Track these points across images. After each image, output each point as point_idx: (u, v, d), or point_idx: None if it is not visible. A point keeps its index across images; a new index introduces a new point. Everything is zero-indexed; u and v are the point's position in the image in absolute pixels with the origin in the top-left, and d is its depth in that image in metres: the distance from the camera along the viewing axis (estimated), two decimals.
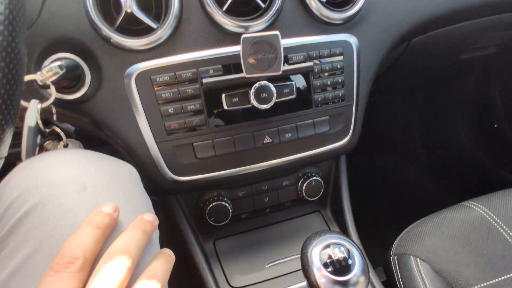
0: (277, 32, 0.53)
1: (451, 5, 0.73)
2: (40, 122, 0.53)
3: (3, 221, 0.41)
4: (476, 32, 0.86)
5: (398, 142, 1.65)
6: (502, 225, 0.77)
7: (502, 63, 1.22)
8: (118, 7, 0.55)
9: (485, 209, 0.79)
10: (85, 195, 0.43)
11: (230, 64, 0.60)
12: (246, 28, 0.60)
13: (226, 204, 0.74)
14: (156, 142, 0.62)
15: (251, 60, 0.55)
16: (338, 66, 0.66)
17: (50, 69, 0.51)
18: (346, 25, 0.67)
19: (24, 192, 0.41)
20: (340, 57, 0.66)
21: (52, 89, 0.54)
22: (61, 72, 0.51)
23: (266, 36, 0.53)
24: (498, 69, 1.29)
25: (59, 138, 0.58)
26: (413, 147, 1.64)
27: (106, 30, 0.55)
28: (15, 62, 0.33)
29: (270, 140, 0.66)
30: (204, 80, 0.59)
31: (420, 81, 1.27)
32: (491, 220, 0.77)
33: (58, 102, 0.58)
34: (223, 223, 0.75)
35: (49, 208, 0.40)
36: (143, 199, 0.50)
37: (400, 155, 1.64)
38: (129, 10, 0.54)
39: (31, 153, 0.52)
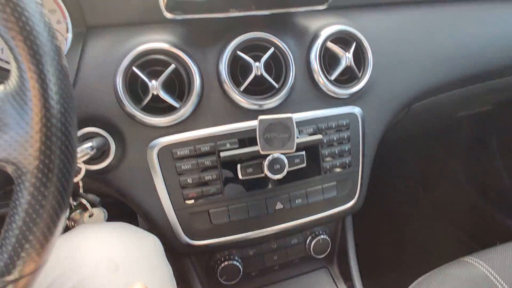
0: (291, 116, 0.58)
1: (450, 76, 0.78)
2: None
3: None
4: (473, 95, 0.92)
5: (396, 184, 1.69)
6: (503, 283, 0.79)
7: (497, 117, 1.28)
8: (145, 87, 0.60)
9: (486, 266, 0.82)
10: (117, 275, 0.47)
11: (246, 138, 0.65)
12: (261, 105, 0.64)
13: (237, 264, 0.76)
14: (174, 210, 0.65)
15: (266, 138, 0.59)
16: (345, 136, 0.71)
17: (82, 151, 0.55)
18: (351, 98, 0.72)
19: (61, 275, 0.45)
20: (347, 128, 0.71)
21: (82, 166, 0.57)
22: (92, 153, 0.55)
23: (281, 119, 0.57)
24: (493, 120, 1.35)
25: (85, 208, 0.62)
26: (412, 190, 1.67)
27: (133, 110, 0.59)
28: (71, 150, 0.35)
29: (282, 206, 0.69)
30: (222, 154, 0.63)
31: (419, 132, 1.32)
32: (492, 278, 0.80)
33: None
34: (234, 281, 0.77)
35: None
36: (167, 270, 0.56)
37: (399, 197, 1.67)
38: (155, 93, 0.59)
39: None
